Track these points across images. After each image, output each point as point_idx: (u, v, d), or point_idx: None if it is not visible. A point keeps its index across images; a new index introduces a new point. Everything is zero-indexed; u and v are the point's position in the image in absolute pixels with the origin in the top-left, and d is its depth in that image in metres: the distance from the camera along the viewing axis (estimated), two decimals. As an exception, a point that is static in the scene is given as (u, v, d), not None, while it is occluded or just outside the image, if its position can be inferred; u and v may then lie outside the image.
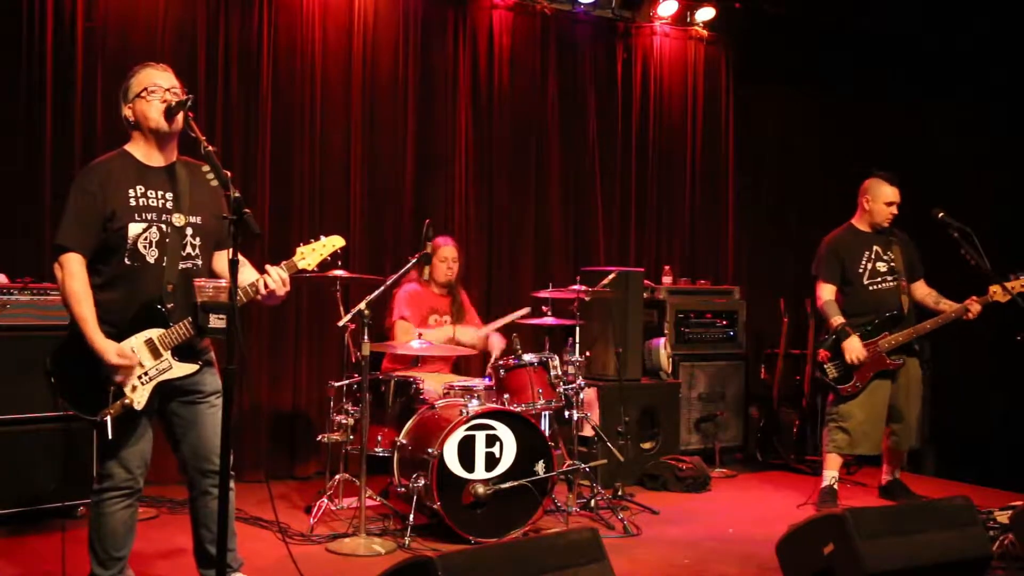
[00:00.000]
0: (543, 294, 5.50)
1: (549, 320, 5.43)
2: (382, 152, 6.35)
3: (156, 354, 3.29)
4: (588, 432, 5.56)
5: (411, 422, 4.83)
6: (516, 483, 4.57)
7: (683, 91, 7.53)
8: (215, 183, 3.15)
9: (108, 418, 3.21)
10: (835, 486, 5.47)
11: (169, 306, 3.29)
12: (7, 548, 4.31)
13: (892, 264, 5.46)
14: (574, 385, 5.20)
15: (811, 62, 7.56)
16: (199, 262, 3.40)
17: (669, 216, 7.49)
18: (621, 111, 7.26)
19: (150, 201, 3.31)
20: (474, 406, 4.68)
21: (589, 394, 5.83)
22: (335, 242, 3.53)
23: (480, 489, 4.52)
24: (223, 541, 2.97)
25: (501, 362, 5.02)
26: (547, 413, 5.12)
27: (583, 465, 5.07)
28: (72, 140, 5.39)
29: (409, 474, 4.65)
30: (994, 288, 5.16)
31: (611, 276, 5.69)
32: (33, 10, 5.29)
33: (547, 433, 4.95)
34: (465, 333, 5.56)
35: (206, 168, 3.29)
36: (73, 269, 3.24)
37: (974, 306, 5.24)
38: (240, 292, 3.21)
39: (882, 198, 5.43)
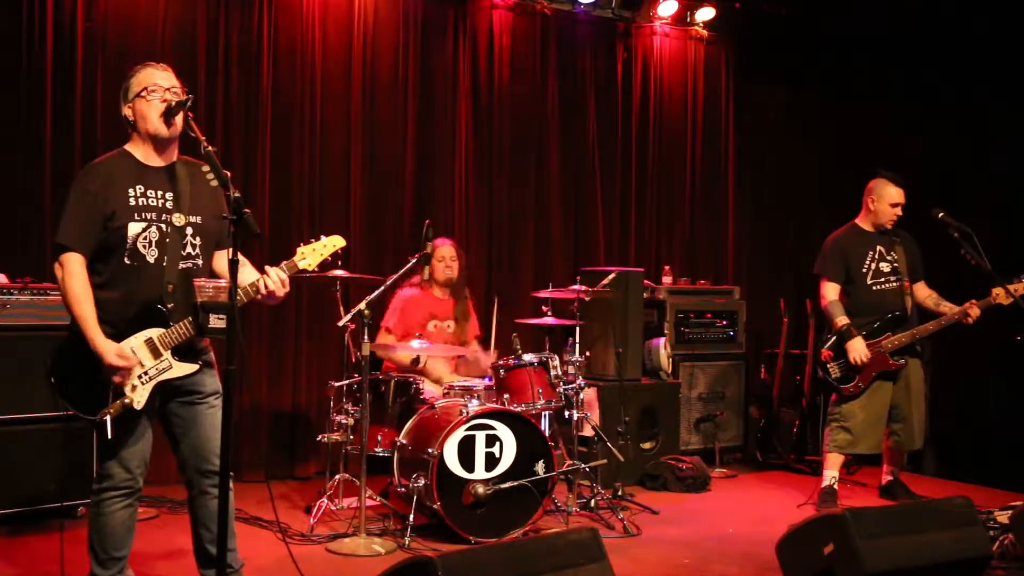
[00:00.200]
0: (543, 294, 5.50)
1: (549, 320, 5.43)
2: (382, 152, 6.35)
3: (156, 354, 3.29)
4: (588, 432, 5.56)
5: (411, 422, 4.83)
6: (516, 483, 4.57)
7: (683, 91, 7.53)
8: (215, 183, 3.15)
9: (108, 418, 3.21)
10: (835, 486, 5.47)
11: (169, 306, 3.29)
12: (7, 548, 4.31)
13: (895, 264, 5.47)
14: (574, 385, 5.20)
15: (811, 62, 7.56)
16: (199, 262, 3.40)
17: (669, 216, 7.49)
18: (621, 111, 7.25)
19: (150, 201, 3.31)
20: (474, 406, 4.68)
21: (589, 394, 5.83)
22: (336, 242, 3.53)
23: (480, 489, 4.52)
24: (223, 541, 2.97)
25: (501, 362, 5.02)
26: (547, 413, 5.12)
27: (583, 465, 5.07)
28: (72, 140, 5.39)
29: (409, 474, 4.65)
30: (997, 291, 5.16)
31: (611, 276, 5.69)
32: (33, 10, 5.29)
33: (547, 433, 4.94)
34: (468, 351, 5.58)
35: (206, 168, 3.29)
36: (73, 269, 3.24)
37: (973, 310, 5.23)
38: (240, 292, 3.21)
39: (887, 199, 5.43)
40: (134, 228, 3.27)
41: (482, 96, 6.71)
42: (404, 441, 4.78)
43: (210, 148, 3.09)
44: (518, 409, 4.75)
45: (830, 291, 5.49)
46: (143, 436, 3.36)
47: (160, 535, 4.55)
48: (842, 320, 5.38)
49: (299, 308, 6.00)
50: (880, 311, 5.40)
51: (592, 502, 5.22)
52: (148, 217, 3.29)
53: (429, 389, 5.13)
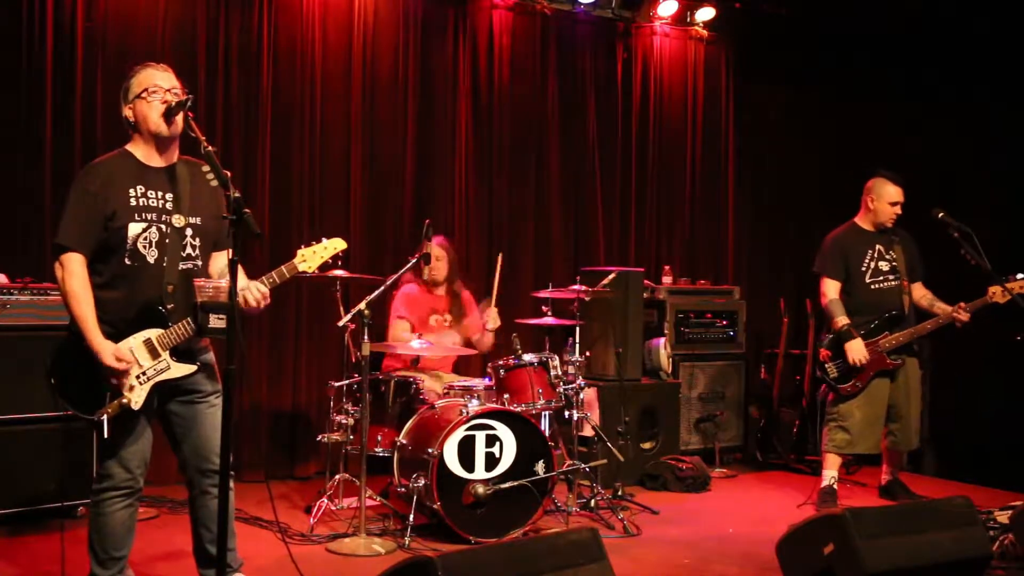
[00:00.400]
0: (543, 294, 5.50)
1: (549, 320, 5.43)
2: (382, 152, 6.35)
3: (155, 354, 3.29)
4: (588, 432, 5.56)
5: (411, 422, 4.83)
6: (516, 483, 4.57)
7: (683, 91, 7.53)
8: (215, 183, 3.15)
9: (105, 417, 3.21)
10: (835, 486, 5.47)
11: (169, 307, 3.29)
12: (7, 548, 4.31)
13: (894, 264, 5.47)
14: (574, 385, 5.20)
15: (811, 62, 7.56)
16: (199, 263, 3.40)
17: (669, 216, 7.49)
18: (621, 111, 7.25)
19: (150, 201, 3.31)
20: (474, 406, 4.68)
21: (589, 394, 5.83)
22: (336, 245, 3.53)
23: (480, 489, 4.52)
24: (223, 541, 2.98)
25: (501, 362, 5.02)
26: (547, 413, 5.12)
27: (583, 465, 5.07)
28: (72, 140, 5.39)
29: (409, 474, 4.65)
30: (993, 289, 5.15)
31: (611, 276, 5.69)
32: (33, 10, 5.29)
33: (547, 433, 4.94)
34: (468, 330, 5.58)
35: (206, 168, 3.29)
36: (73, 269, 3.24)
37: (962, 315, 5.23)
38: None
39: (886, 197, 5.43)
40: (134, 228, 3.27)
41: (482, 96, 6.71)
42: (404, 441, 4.78)
43: (210, 148, 3.10)
44: (518, 409, 4.75)
45: (830, 289, 5.48)
46: (143, 436, 3.36)
47: (160, 535, 4.55)
48: (842, 320, 5.38)
49: (299, 308, 6.00)
50: (878, 310, 5.40)
51: (592, 502, 5.22)
52: (148, 218, 3.29)
53: (429, 389, 5.13)
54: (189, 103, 3.25)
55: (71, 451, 4.56)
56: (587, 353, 5.61)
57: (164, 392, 3.34)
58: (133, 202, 3.28)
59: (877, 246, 5.48)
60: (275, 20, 5.98)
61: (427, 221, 4.94)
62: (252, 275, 3.42)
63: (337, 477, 5.07)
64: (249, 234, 2.91)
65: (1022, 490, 5.64)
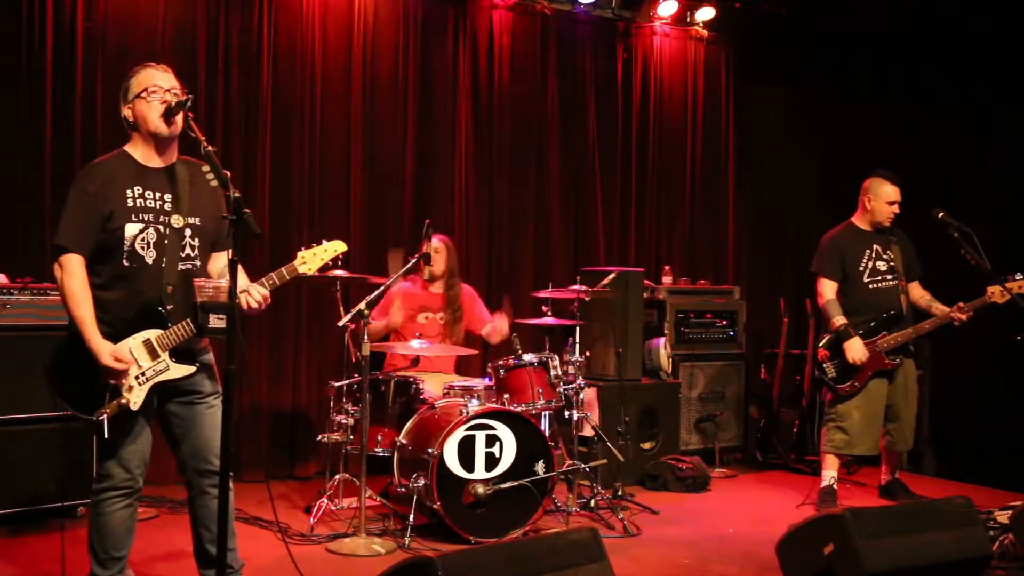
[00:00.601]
0: (543, 294, 5.50)
1: (549, 320, 5.43)
2: (382, 152, 6.35)
3: (154, 355, 3.29)
4: (588, 432, 5.56)
5: (411, 422, 4.83)
6: (516, 483, 4.57)
7: (683, 91, 7.53)
8: (215, 183, 3.15)
9: (104, 417, 3.21)
10: (834, 486, 5.47)
11: (168, 307, 3.29)
12: (7, 548, 4.32)
13: (892, 263, 5.47)
14: (574, 385, 5.20)
15: (811, 62, 7.56)
16: (198, 263, 3.40)
17: (669, 216, 7.49)
18: (621, 111, 7.25)
19: (147, 202, 3.31)
20: (474, 406, 4.68)
21: (589, 394, 5.83)
22: (337, 247, 3.53)
23: (480, 489, 4.52)
24: (223, 541, 2.98)
25: (501, 362, 5.02)
26: (547, 413, 5.12)
27: (583, 465, 5.07)
28: (72, 140, 5.39)
29: (409, 474, 4.65)
30: (992, 289, 5.15)
31: (611, 276, 5.69)
32: (33, 10, 5.29)
33: (547, 433, 4.94)
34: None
35: (206, 168, 3.29)
36: (72, 269, 3.24)
37: (960, 315, 5.23)
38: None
39: (884, 197, 5.43)
40: (131, 229, 3.26)
41: (482, 96, 6.71)
42: (404, 441, 4.78)
43: (210, 148, 3.09)
44: (518, 409, 4.75)
45: (827, 289, 5.48)
46: (142, 436, 3.36)
47: (160, 535, 4.55)
48: (840, 320, 5.38)
49: (299, 308, 6.00)
50: (876, 310, 5.40)
51: (592, 502, 5.22)
52: (145, 218, 3.29)
53: (429, 389, 5.13)
54: (189, 103, 3.25)
55: (71, 451, 4.56)
56: (587, 353, 5.61)
57: (163, 393, 3.34)
58: (130, 203, 3.28)
59: (875, 246, 5.47)
60: (275, 20, 5.98)
61: (427, 221, 4.94)
62: (252, 275, 3.42)
63: (337, 477, 5.07)
64: (249, 234, 2.91)
65: (1022, 490, 5.64)
